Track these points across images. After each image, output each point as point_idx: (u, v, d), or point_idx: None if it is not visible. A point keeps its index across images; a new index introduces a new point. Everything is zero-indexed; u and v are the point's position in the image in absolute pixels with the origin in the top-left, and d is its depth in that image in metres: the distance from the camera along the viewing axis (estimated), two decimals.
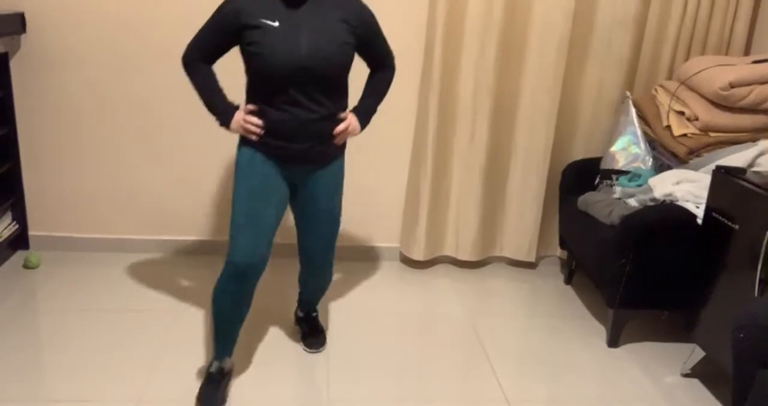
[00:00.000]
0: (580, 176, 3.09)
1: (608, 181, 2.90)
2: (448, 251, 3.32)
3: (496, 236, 3.36)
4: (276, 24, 1.96)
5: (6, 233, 3.04)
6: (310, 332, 2.55)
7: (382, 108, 3.10)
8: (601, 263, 2.64)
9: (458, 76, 3.05)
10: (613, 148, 2.94)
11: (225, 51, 2.10)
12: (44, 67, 2.98)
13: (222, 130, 2.13)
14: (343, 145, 2.24)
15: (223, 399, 2.17)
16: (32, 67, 2.97)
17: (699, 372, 2.49)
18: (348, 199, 3.26)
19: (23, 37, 2.92)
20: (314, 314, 2.61)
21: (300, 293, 2.56)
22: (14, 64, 2.96)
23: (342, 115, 2.14)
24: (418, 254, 3.25)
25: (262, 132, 2.06)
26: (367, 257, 3.37)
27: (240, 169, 2.11)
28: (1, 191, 3.07)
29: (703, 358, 2.42)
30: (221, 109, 2.09)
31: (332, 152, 2.18)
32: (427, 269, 3.33)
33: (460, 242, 3.29)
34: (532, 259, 3.33)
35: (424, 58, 3.05)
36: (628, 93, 3.02)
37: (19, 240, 3.18)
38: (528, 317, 2.89)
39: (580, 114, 3.22)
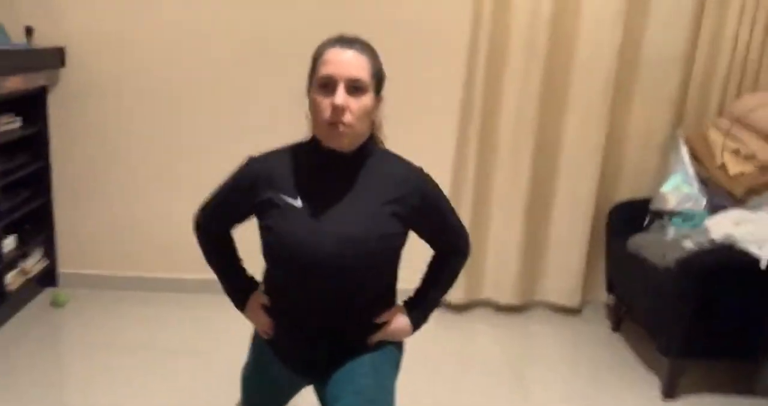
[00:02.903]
0: (628, 218, 2.95)
1: (660, 222, 2.76)
2: (487, 293, 3.18)
3: (538, 278, 3.21)
4: (298, 203, 1.47)
5: (36, 269, 2.98)
6: None
7: (418, 144, 3.02)
8: (656, 308, 2.47)
9: (499, 111, 2.97)
10: (664, 189, 2.80)
11: (241, 220, 1.63)
12: (81, 101, 2.96)
13: None
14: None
15: None
16: (70, 101, 2.95)
17: None
18: None
19: (62, 71, 2.92)
20: None
21: None
22: (52, 99, 2.95)
23: (384, 316, 1.57)
24: (455, 297, 3.11)
25: (272, 333, 1.59)
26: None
27: (247, 360, 1.73)
28: (33, 226, 3.02)
29: None
30: (234, 294, 1.68)
31: (360, 349, 1.57)
32: (463, 313, 3.18)
33: (500, 284, 3.15)
34: (575, 304, 3.16)
35: (463, 92, 2.97)
36: (679, 131, 2.91)
37: (48, 277, 3.12)
38: (574, 365, 2.72)
39: (626, 152, 3.11)
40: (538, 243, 3.15)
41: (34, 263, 2.97)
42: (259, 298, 1.61)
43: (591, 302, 3.29)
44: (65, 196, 3.07)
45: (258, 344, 1.67)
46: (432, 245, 1.66)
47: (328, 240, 1.44)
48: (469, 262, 3.15)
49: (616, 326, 3.04)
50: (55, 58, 2.84)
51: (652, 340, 2.58)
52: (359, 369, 1.52)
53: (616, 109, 3.03)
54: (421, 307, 1.63)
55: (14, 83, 2.50)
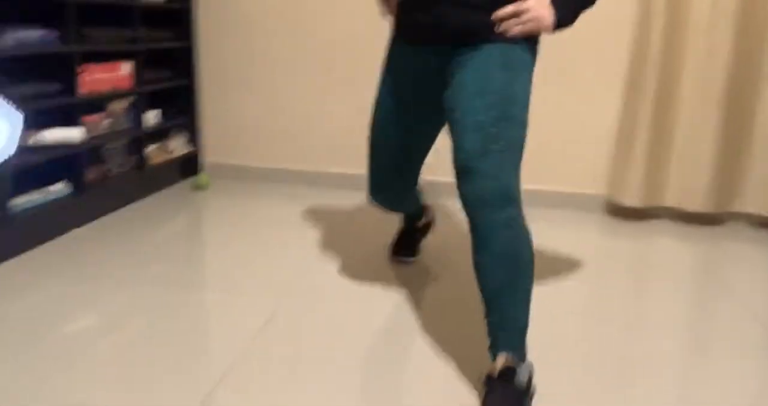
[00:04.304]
0: None
1: None
2: (670, 200, 2.64)
3: (737, 184, 2.61)
4: None
5: (179, 151, 2.91)
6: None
7: (590, 16, 2.55)
8: None
9: None
10: None
11: None
12: None
13: None
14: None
15: (416, 250, 2.13)
16: None
17: None
18: (537, 135, 2.72)
19: None
20: (521, 370, 1.31)
21: (486, 308, 1.37)
22: None
23: None
24: (631, 200, 2.61)
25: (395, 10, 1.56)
26: (561, 205, 2.78)
27: (379, 84, 1.67)
28: (176, 110, 2.95)
29: None
30: None
31: (488, 33, 1.43)
32: (640, 222, 2.67)
33: (687, 189, 2.60)
34: None
35: None
36: None
37: (192, 164, 3.05)
38: None
39: None
40: (739, 139, 2.56)
41: (177, 145, 2.91)
42: None
43: None
44: (211, 81, 2.98)
45: (388, 55, 1.63)
46: None
47: None
48: (649, 160, 2.66)
49: None
50: None
51: None
52: (484, 65, 1.39)
53: None
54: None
55: None
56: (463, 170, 1.34)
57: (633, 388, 1.42)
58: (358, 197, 2.84)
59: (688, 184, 2.59)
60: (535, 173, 2.77)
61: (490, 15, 1.41)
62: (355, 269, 2.04)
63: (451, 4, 1.42)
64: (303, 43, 2.85)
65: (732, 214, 2.66)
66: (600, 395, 1.39)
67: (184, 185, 2.95)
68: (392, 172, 1.72)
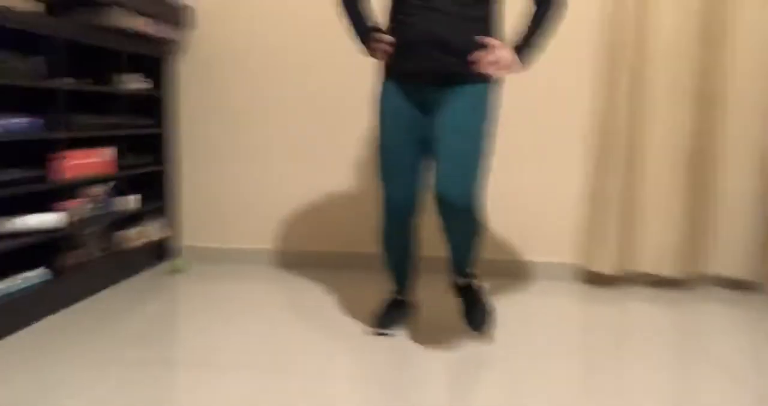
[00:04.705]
0: None
1: None
2: (643, 266, 2.71)
3: (705, 247, 2.70)
4: None
5: (155, 235, 2.90)
6: (471, 305, 2.12)
7: (553, 89, 2.73)
8: None
9: (647, 37, 2.61)
10: None
11: None
12: (210, 66, 2.94)
13: None
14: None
15: (396, 322, 2.17)
16: (198, 67, 2.95)
17: None
18: (508, 205, 2.81)
19: (192, 36, 2.93)
20: (474, 284, 2.12)
21: (449, 254, 2.05)
22: (183, 61, 2.95)
23: (489, 40, 1.86)
24: (603, 267, 2.68)
25: (390, 49, 1.93)
26: (533, 275, 2.84)
27: (378, 111, 2.01)
28: (153, 194, 2.97)
29: None
30: (360, 33, 2.01)
31: (469, 73, 1.88)
32: (614, 288, 2.72)
33: (658, 254, 2.68)
34: (754, 277, 2.62)
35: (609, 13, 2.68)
36: None
37: (168, 247, 3.04)
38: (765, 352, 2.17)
39: None
40: (704, 200, 2.68)
41: (153, 229, 2.91)
42: (380, 32, 1.96)
43: None
44: (190, 166, 3.02)
45: (380, 95, 1.99)
46: None
47: None
48: (620, 225, 2.73)
49: None
50: (184, 16, 2.86)
51: None
52: (460, 108, 1.86)
53: None
54: (525, 44, 1.89)
55: (143, 25, 2.53)
56: (440, 192, 1.84)
57: None
58: (339, 276, 2.85)
59: (658, 250, 2.68)
60: (509, 245, 2.83)
61: (467, 62, 1.86)
62: (335, 352, 2.03)
63: (438, 54, 1.84)
64: (279, 130, 2.94)
65: (702, 277, 2.74)
66: None
67: (160, 269, 2.92)
68: (405, 187, 1.97)
